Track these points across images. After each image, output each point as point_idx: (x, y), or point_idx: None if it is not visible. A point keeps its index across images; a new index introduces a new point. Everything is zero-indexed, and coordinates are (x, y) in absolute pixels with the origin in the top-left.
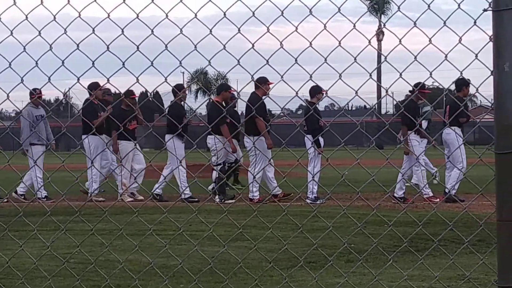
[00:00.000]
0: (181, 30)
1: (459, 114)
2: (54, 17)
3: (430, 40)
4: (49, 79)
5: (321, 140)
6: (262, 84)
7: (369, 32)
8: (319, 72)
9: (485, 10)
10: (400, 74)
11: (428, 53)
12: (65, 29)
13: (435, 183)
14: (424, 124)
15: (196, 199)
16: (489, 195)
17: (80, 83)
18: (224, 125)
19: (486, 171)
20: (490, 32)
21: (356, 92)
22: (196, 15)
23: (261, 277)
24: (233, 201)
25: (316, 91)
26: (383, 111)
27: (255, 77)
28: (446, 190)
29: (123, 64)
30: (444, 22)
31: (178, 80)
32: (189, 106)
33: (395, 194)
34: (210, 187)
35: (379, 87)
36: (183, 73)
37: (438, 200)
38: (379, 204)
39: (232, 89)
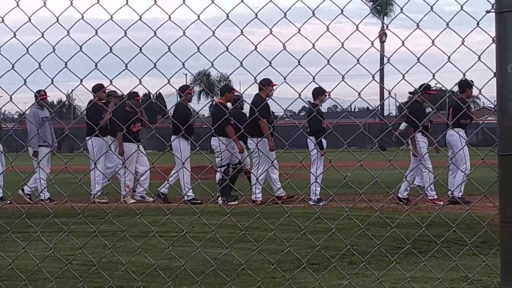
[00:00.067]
0: (184, 32)
1: (461, 115)
2: (57, 19)
3: (433, 41)
4: (52, 80)
5: (324, 141)
6: (265, 86)
7: (371, 33)
8: (322, 73)
9: (488, 11)
10: (403, 76)
11: (431, 54)
12: (68, 31)
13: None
14: None
15: (199, 201)
16: (492, 197)
17: (83, 85)
18: (229, 126)
19: (489, 172)
20: (493, 34)
21: (359, 94)
22: (199, 16)
23: (264, 279)
24: (236, 202)
25: (319, 93)
26: (386, 113)
27: (258, 78)
28: (449, 193)
29: (126, 66)
30: (447, 24)
31: (180, 81)
32: (192, 107)
33: (399, 195)
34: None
35: (382, 89)
36: (186, 74)
37: (441, 202)
38: (382, 205)
39: (235, 90)
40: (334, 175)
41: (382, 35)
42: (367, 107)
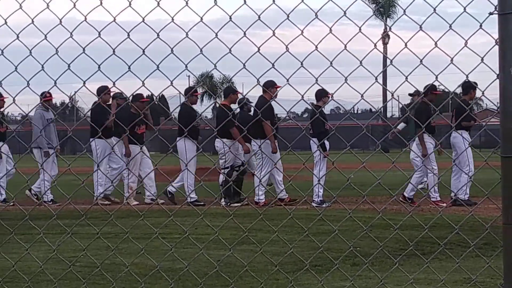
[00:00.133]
0: (187, 33)
1: (464, 117)
2: (60, 21)
3: (435, 43)
4: (55, 82)
5: (327, 143)
6: (269, 88)
7: (374, 35)
8: (324, 75)
9: (491, 13)
10: (406, 78)
11: (433, 56)
12: (71, 33)
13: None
14: None
15: (202, 203)
16: (495, 199)
17: (86, 87)
18: (234, 127)
19: (492, 174)
20: (496, 36)
21: (362, 96)
22: (201, 18)
23: (267, 281)
24: (239, 204)
25: (322, 95)
26: (388, 115)
27: (261, 80)
28: (452, 195)
29: (129, 67)
30: (450, 26)
31: (183, 83)
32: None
33: (405, 193)
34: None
35: (384, 91)
36: (189, 76)
37: (444, 204)
38: (385, 207)
39: (238, 92)
40: (337, 177)
41: (385, 37)
42: (370, 109)
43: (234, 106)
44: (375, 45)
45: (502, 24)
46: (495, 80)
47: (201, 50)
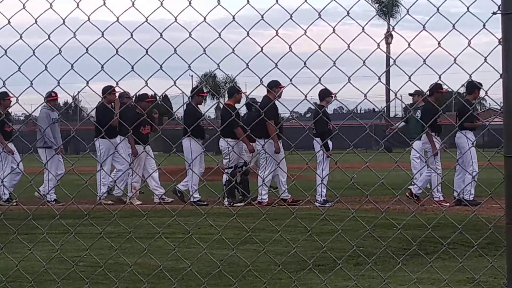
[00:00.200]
0: (190, 33)
1: (467, 118)
2: (64, 21)
3: (439, 43)
4: (59, 82)
5: (330, 143)
6: (273, 87)
7: (378, 35)
8: (328, 75)
9: (494, 13)
10: (409, 77)
11: (437, 56)
12: (74, 33)
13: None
14: None
15: (205, 203)
16: (498, 198)
17: (89, 87)
18: (238, 127)
19: (495, 174)
20: (499, 35)
21: (365, 95)
22: (205, 18)
23: (270, 280)
24: (242, 204)
25: (325, 94)
26: (392, 114)
27: (264, 80)
28: (455, 194)
29: (132, 67)
30: (453, 25)
31: (186, 83)
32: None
33: (412, 190)
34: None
35: (388, 90)
36: (192, 76)
37: (448, 204)
38: (388, 207)
39: (242, 91)
40: (340, 176)
41: (388, 37)
42: (373, 109)
43: (238, 106)
44: (378, 45)
45: (505, 23)
46: (498, 79)
47: (204, 50)
